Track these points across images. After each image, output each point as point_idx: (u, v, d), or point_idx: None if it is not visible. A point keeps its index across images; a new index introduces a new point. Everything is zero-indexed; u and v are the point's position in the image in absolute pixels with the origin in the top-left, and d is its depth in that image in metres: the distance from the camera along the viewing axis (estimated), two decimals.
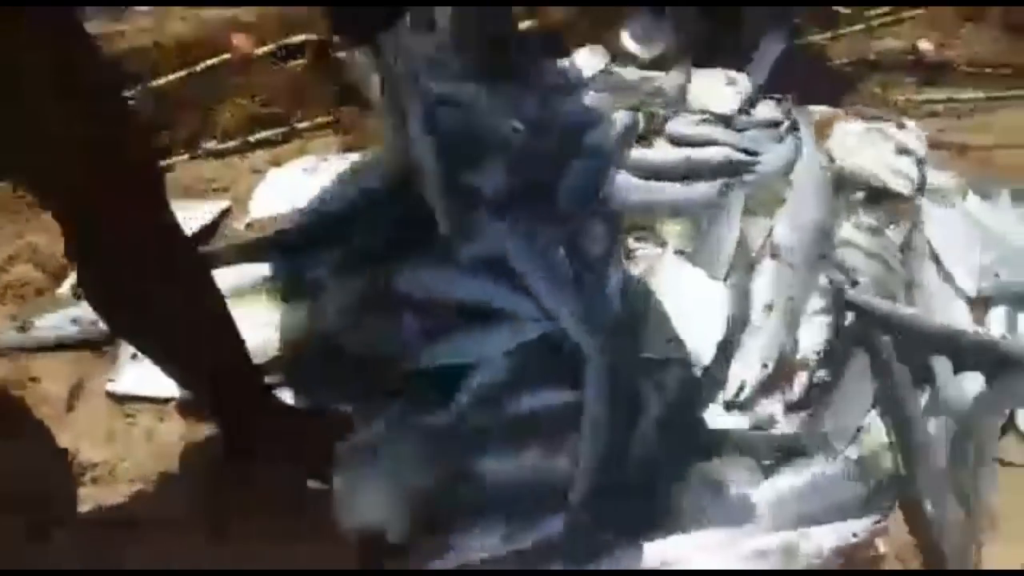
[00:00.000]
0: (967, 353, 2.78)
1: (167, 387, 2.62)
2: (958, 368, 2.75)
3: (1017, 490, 2.50)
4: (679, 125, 3.55)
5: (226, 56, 3.83)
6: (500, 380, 2.58)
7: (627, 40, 4.20)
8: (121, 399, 2.68)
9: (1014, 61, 4.26)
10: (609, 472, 2.38)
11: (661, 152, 3.44)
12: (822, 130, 3.65)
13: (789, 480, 2.42)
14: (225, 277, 2.63)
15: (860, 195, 3.33)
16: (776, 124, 3.65)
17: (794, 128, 3.61)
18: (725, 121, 3.60)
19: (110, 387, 2.69)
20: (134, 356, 2.69)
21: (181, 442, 2.59)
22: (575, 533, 2.28)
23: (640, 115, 3.46)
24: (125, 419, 2.64)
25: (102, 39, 3.51)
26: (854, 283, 2.91)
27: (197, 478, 2.49)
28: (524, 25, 4.18)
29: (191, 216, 3.10)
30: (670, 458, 2.45)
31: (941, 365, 2.75)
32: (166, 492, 2.46)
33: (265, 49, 3.88)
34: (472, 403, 2.53)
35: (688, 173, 3.32)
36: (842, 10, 4.55)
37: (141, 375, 2.66)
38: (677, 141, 3.50)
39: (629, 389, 2.54)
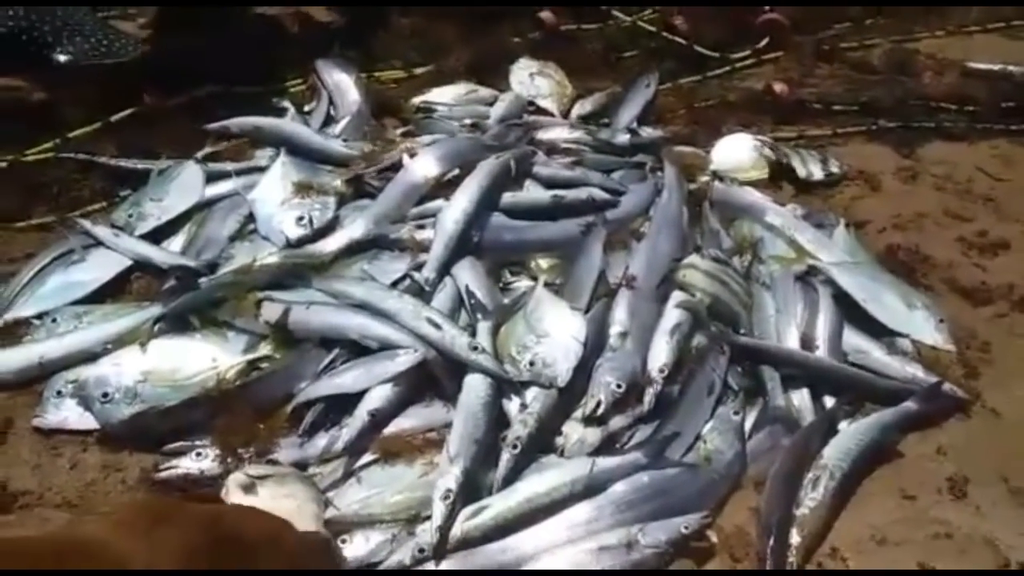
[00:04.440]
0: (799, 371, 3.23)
1: (88, 421, 2.96)
2: (788, 384, 3.20)
3: None
4: (547, 168, 3.95)
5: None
6: (386, 406, 2.95)
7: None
8: (47, 433, 2.98)
9: (861, 99, 4.75)
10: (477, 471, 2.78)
11: (531, 194, 3.82)
12: (688, 169, 4.08)
13: (631, 483, 2.79)
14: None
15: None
16: (640, 165, 4.06)
17: (659, 168, 4.03)
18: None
19: (36, 422, 2.98)
20: (58, 393, 3.02)
21: (103, 469, 2.89)
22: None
23: (512, 161, 3.80)
24: (51, 452, 2.94)
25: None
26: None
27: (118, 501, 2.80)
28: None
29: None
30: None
31: (773, 380, 3.19)
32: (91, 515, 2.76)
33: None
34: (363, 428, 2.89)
35: (556, 212, 3.72)
36: (709, 53, 5.03)
37: (65, 410, 2.99)
38: (546, 182, 3.88)
39: (496, 406, 2.95)
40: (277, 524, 2.30)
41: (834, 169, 4.26)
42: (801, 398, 3.16)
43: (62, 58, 4.15)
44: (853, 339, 3.37)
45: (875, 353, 3.32)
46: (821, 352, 3.29)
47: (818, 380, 3.22)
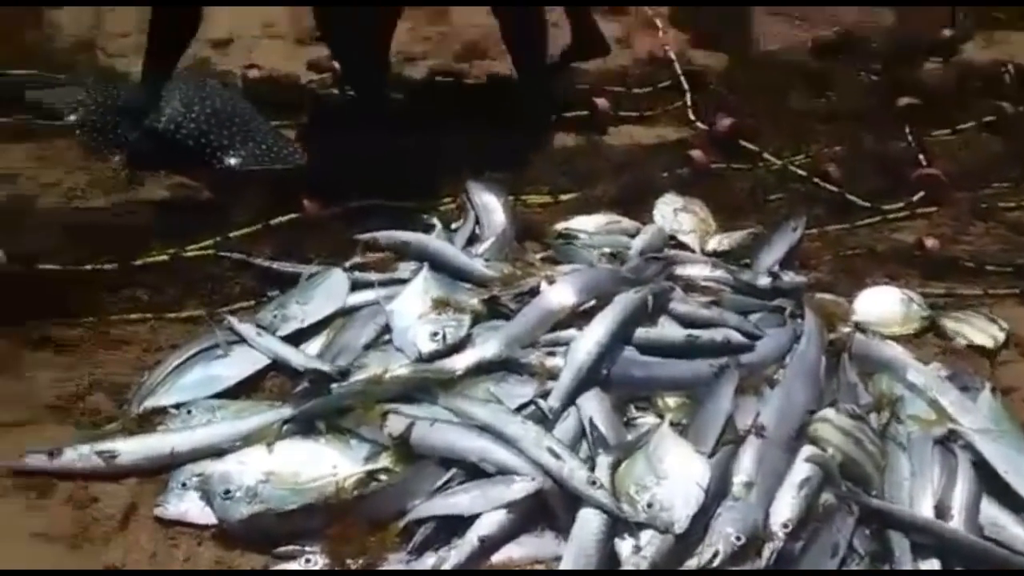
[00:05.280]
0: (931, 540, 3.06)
1: (208, 516, 3.03)
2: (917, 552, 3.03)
3: None
4: (684, 305, 3.92)
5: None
6: (497, 532, 2.93)
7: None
8: (167, 523, 3.05)
9: (1016, 261, 4.57)
10: None
11: (665, 331, 3.78)
12: (829, 318, 3.98)
13: None
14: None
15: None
16: (780, 310, 3.99)
17: (799, 315, 3.95)
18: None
19: (158, 511, 3.06)
20: (183, 485, 3.11)
21: (215, 565, 2.94)
22: None
23: (649, 296, 3.79)
24: (168, 542, 3.00)
25: None
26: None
27: None
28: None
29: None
30: None
31: (902, 547, 3.02)
32: None
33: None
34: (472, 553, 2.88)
35: (689, 351, 3.67)
36: (860, 203, 4.95)
37: (187, 502, 3.07)
38: (681, 320, 3.85)
39: (608, 544, 2.88)
40: None
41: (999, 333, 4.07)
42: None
43: (233, 161, 4.42)
44: (990, 511, 3.17)
45: (1012, 528, 3.12)
46: (956, 522, 3.11)
47: (950, 552, 3.04)
